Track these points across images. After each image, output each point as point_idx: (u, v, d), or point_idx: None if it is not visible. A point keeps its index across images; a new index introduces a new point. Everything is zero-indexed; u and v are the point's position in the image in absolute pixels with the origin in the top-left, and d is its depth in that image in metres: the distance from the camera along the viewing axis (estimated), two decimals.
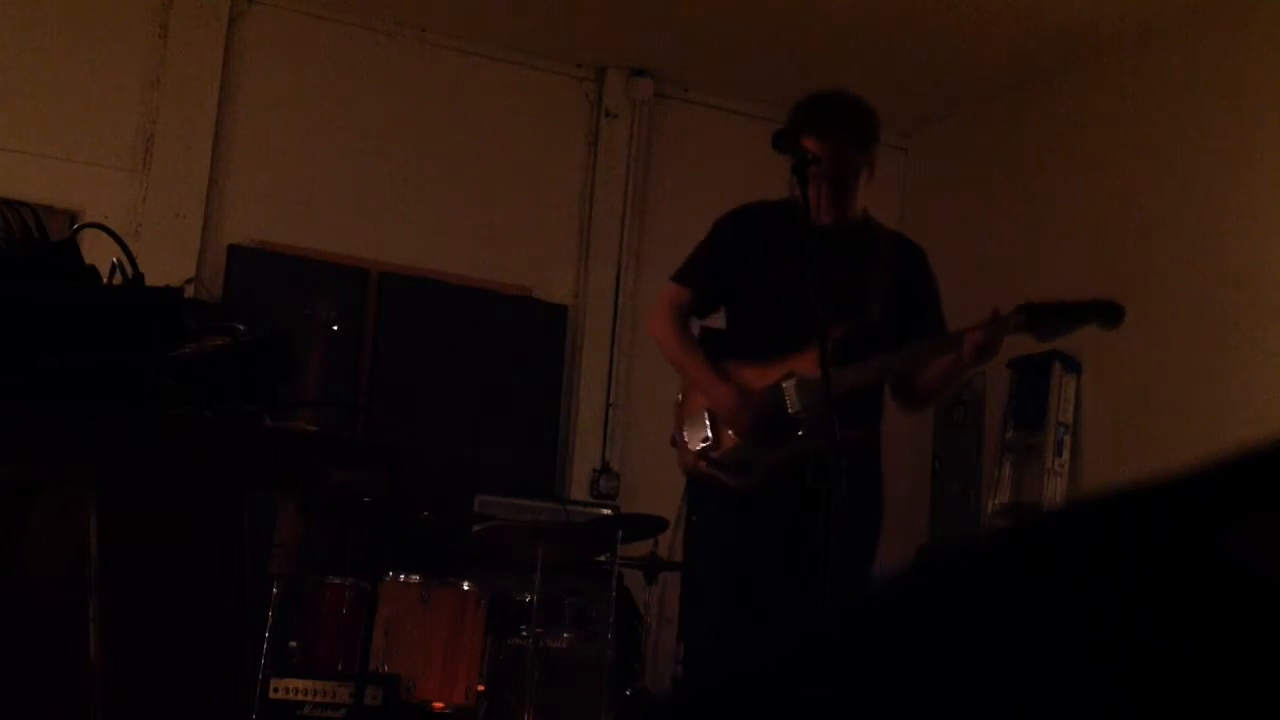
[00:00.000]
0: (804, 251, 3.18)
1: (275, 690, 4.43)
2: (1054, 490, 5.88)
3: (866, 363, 3.21)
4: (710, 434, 3.35)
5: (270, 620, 4.58)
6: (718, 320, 3.61)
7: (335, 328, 5.23)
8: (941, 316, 3.47)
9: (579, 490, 6.43)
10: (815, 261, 3.07)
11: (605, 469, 6.50)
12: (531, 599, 4.65)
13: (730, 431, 3.33)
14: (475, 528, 4.88)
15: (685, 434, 3.41)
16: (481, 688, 4.81)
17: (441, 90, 6.53)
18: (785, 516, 3.19)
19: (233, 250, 6.07)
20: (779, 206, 3.49)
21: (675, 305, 3.50)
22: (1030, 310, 3.16)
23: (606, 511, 5.64)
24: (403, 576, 4.83)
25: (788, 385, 3.29)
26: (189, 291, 1.74)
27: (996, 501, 6.15)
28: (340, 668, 4.57)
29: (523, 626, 4.80)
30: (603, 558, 5.05)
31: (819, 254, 3.15)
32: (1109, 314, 3.20)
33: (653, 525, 4.84)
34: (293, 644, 4.72)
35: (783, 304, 3.31)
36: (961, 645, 0.39)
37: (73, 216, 5.68)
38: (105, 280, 1.63)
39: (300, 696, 4.46)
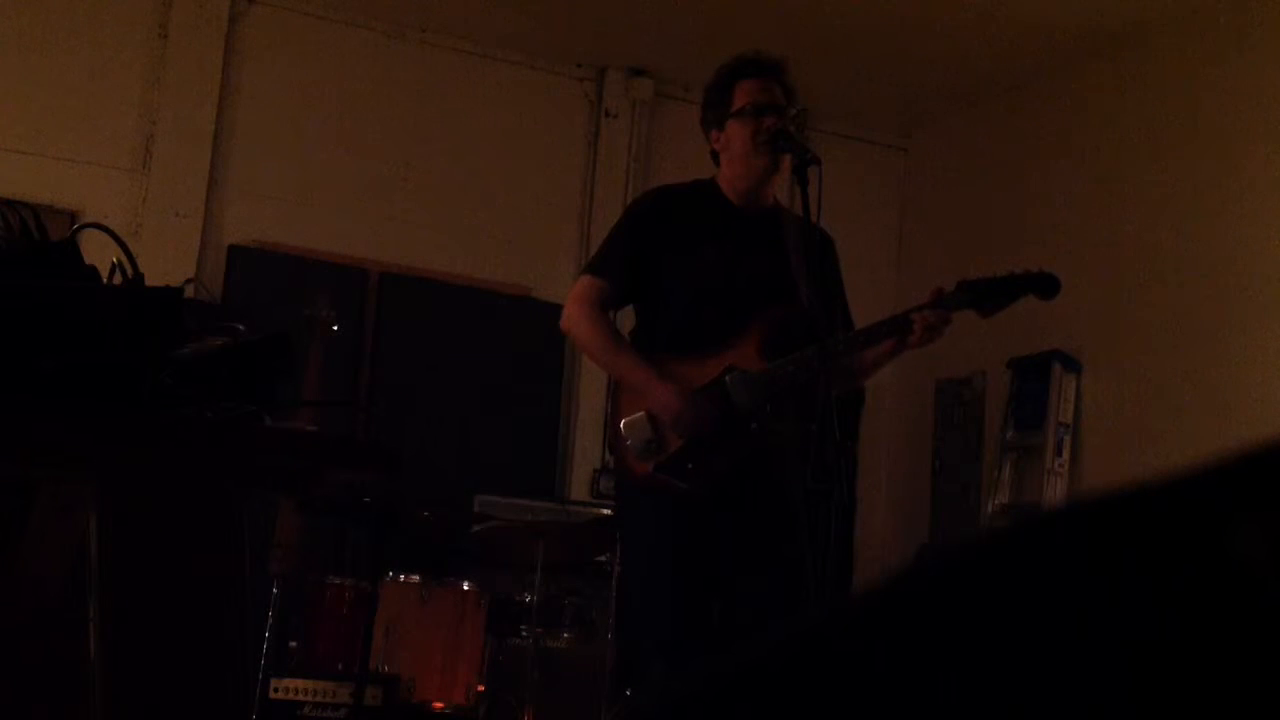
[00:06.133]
0: (730, 236, 3.18)
1: (275, 690, 4.43)
2: (1054, 490, 5.88)
3: (807, 351, 3.04)
4: (653, 437, 3.13)
5: (270, 620, 4.58)
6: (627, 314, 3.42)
7: (335, 328, 5.23)
8: (848, 307, 3.36)
9: (579, 490, 6.43)
10: (804, 254, 3.04)
11: (605, 469, 6.49)
12: (531, 599, 4.65)
13: (676, 434, 3.12)
14: (475, 528, 4.88)
15: (627, 439, 3.16)
16: (481, 688, 4.81)
17: (441, 90, 6.53)
18: (735, 518, 3.10)
19: (233, 250, 6.07)
20: (693, 189, 3.35)
21: (595, 299, 3.27)
22: (970, 285, 3.13)
23: (606, 511, 5.62)
24: (403, 576, 4.84)
25: (730, 380, 3.13)
26: (189, 291, 1.74)
27: (996, 501, 6.15)
28: (340, 668, 4.58)
29: (523, 626, 4.81)
30: (603, 558, 5.05)
31: (740, 239, 3.13)
32: (1045, 285, 3.17)
33: None
34: (293, 644, 4.73)
35: (709, 292, 3.18)
36: (961, 646, 0.39)
37: (73, 216, 5.68)
38: (105, 280, 1.63)
39: (300, 696, 4.46)
